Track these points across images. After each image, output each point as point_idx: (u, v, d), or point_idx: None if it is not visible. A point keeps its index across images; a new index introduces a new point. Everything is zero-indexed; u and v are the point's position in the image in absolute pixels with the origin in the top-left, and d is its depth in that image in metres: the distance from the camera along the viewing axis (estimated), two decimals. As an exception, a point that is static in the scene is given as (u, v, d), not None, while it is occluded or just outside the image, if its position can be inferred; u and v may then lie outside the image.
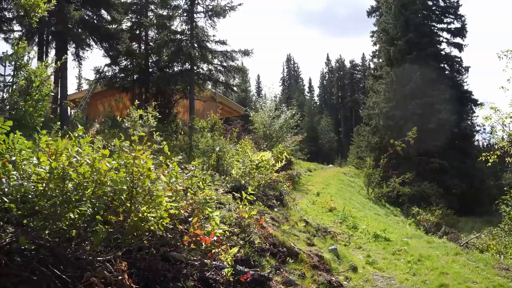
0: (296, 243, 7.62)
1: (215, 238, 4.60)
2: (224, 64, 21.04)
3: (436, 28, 38.27)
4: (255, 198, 9.61)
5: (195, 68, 21.05)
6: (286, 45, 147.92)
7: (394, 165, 29.11)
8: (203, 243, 4.61)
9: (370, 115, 36.85)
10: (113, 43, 17.67)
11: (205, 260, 4.54)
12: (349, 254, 9.45)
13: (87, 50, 17.64)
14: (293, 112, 29.42)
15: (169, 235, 4.56)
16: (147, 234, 4.29)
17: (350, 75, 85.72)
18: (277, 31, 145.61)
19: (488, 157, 12.37)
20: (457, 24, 38.11)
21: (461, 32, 38.11)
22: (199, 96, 23.09)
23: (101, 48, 17.88)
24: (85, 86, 23.98)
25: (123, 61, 20.88)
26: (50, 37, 17.00)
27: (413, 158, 30.43)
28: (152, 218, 4.09)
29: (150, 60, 21.10)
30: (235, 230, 5.79)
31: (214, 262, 4.63)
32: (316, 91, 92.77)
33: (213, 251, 4.69)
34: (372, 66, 44.17)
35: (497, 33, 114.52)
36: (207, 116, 24.89)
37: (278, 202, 10.56)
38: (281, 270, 5.90)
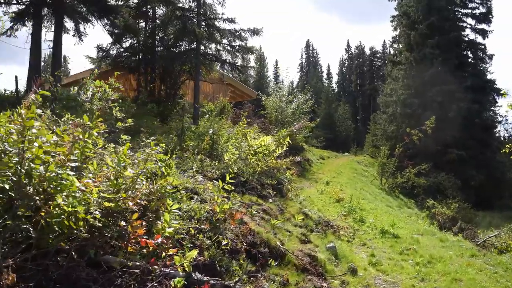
0: (285, 240, 6.64)
1: (160, 239, 3.63)
2: (233, 43, 19.96)
3: (460, 13, 36.29)
4: (244, 188, 8.70)
5: (202, 47, 20.04)
6: (306, 31, 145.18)
7: (410, 155, 27.74)
8: (149, 246, 3.66)
9: (387, 102, 35.34)
10: (113, 18, 16.73)
11: (153, 267, 3.60)
12: (351, 252, 8.42)
13: (85, 25, 16.90)
14: (307, 97, 28.22)
15: (106, 234, 3.62)
16: (74, 232, 3.36)
17: (370, 62, 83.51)
18: (296, 17, 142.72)
19: (513, 149, 11.14)
20: (482, 9, 36.07)
21: (486, 17, 36.06)
22: (207, 78, 22.10)
23: (101, 24, 16.96)
24: (88, 65, 23.16)
25: (128, 39, 19.93)
26: (47, 10, 16.14)
27: (430, 148, 28.96)
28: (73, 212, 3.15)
29: (158, 38, 20.10)
30: (203, 226, 4.82)
31: (163, 269, 3.67)
32: (335, 78, 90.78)
33: (163, 255, 3.74)
34: (391, 52, 42.27)
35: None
36: (216, 99, 23.96)
37: (275, 192, 9.56)
38: (259, 276, 4.93)
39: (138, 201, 4.10)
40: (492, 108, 36.38)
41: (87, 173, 3.87)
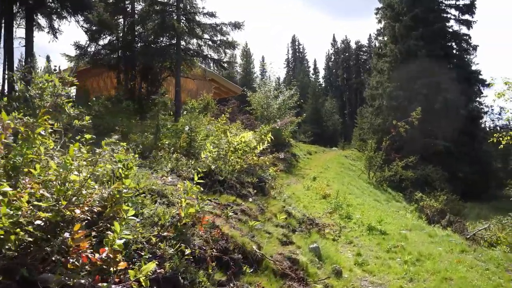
0: (264, 243, 6.17)
1: (106, 253, 3.14)
2: (214, 38, 19.40)
3: (444, 5, 36.08)
4: (222, 188, 8.21)
5: (183, 43, 19.47)
6: (292, 26, 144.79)
7: (397, 148, 27.51)
8: (94, 261, 3.16)
9: (373, 95, 35.06)
10: (88, 14, 16.09)
11: (98, 285, 3.11)
12: (336, 252, 8.00)
13: (60, 21, 16.26)
14: (292, 92, 27.77)
15: (46, 248, 3.11)
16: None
17: (356, 56, 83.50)
18: (282, 12, 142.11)
19: (501, 139, 10.80)
20: (466, 0, 35.95)
21: (470, 8, 35.91)
22: (189, 74, 21.52)
23: (74, 20, 16.29)
24: (64, 63, 22.33)
25: (107, 36, 19.23)
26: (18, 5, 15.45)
27: (417, 140, 28.75)
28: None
29: (137, 34, 19.45)
30: (166, 234, 4.33)
31: (114, 287, 3.18)
32: (322, 73, 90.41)
33: (112, 269, 3.24)
34: (377, 45, 41.97)
35: (508, 7, 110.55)
36: (200, 96, 23.44)
37: (255, 191, 9.08)
38: (230, 286, 4.47)
39: (87, 208, 3.60)
40: (478, 99, 36.35)
41: (21, 179, 3.35)
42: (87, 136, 5.54)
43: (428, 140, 29.97)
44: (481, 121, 38.86)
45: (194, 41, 19.73)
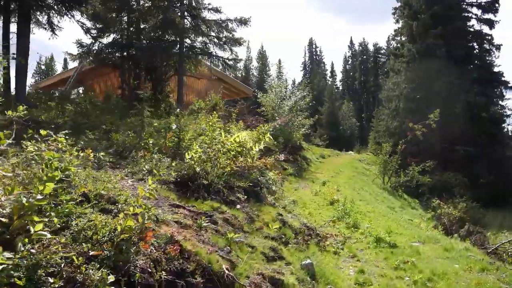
0: (241, 261, 5.16)
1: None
2: (220, 35, 18.54)
3: (464, 3, 34.55)
4: (206, 193, 7.25)
5: (188, 41, 18.69)
6: (309, 30, 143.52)
7: (414, 152, 26.15)
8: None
9: (389, 97, 33.67)
10: (85, 9, 15.37)
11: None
12: (334, 269, 6.95)
13: (60, 18, 15.69)
14: (304, 93, 26.67)
15: None
16: None
17: (374, 59, 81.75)
18: (299, 16, 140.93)
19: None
20: (488, -2, 34.28)
21: (492, 7, 34.26)
22: (196, 73, 20.72)
23: (69, 16, 15.61)
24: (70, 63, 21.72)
25: (110, 33, 18.53)
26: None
27: (435, 144, 27.32)
28: None
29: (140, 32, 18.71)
30: (93, 253, 3.37)
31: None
32: (339, 76, 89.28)
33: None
34: (394, 45, 40.52)
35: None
36: (209, 96, 22.65)
37: (246, 196, 8.09)
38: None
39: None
40: (500, 102, 34.61)
41: None
42: (43, 132, 4.78)
43: (447, 145, 28.49)
44: (503, 125, 37.02)
45: (199, 38, 18.97)
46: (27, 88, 14.02)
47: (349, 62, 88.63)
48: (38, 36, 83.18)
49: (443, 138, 28.04)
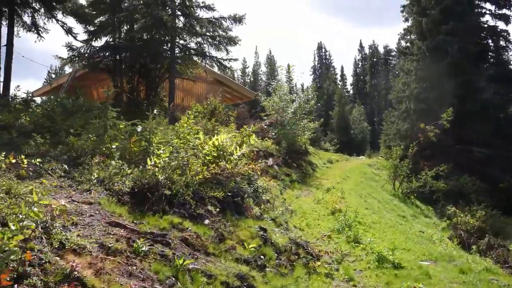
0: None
1: None
2: (214, 34, 17.34)
3: (477, -1, 32.83)
4: (168, 206, 5.96)
5: (181, 41, 17.58)
6: (318, 35, 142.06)
7: (427, 155, 24.51)
8: None
9: (399, 98, 31.99)
10: (62, 8, 14.36)
11: None
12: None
13: (45, 19, 14.88)
14: (309, 96, 25.27)
15: None
16: None
17: (385, 61, 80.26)
18: (308, 22, 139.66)
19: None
20: (503, -7, 32.46)
21: (507, 2, 32.45)
22: (193, 76, 19.60)
23: (48, 16, 14.64)
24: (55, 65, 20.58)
25: (102, 36, 17.49)
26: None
27: (449, 147, 25.62)
28: None
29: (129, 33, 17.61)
30: None
31: None
32: (349, 79, 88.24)
33: None
34: (403, 44, 38.76)
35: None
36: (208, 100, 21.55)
37: (219, 209, 6.79)
38: None
39: None
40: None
41: None
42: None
43: (462, 147, 26.74)
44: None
45: (193, 38, 17.85)
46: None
47: (359, 66, 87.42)
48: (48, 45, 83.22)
49: (457, 140, 26.34)
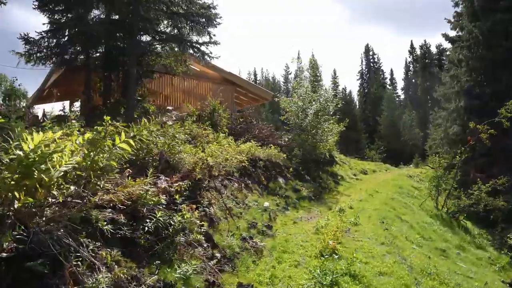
0: None
1: None
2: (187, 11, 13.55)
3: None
4: None
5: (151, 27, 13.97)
6: (365, 39, 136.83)
7: (481, 164, 19.40)
8: None
9: (447, 95, 26.80)
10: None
11: None
12: None
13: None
14: (329, 94, 20.86)
15: None
16: None
17: (438, 61, 73.91)
18: (354, 27, 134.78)
19: None
20: None
21: None
22: (188, 71, 16.40)
23: None
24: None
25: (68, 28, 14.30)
26: None
27: (510, 152, 20.35)
28: None
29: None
30: None
31: None
32: (400, 84, 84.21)
33: None
34: (454, 33, 32.97)
35: None
36: (221, 102, 18.29)
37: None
38: None
39: None
40: None
41: None
42: None
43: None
44: None
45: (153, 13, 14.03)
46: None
47: (410, 68, 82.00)
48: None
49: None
